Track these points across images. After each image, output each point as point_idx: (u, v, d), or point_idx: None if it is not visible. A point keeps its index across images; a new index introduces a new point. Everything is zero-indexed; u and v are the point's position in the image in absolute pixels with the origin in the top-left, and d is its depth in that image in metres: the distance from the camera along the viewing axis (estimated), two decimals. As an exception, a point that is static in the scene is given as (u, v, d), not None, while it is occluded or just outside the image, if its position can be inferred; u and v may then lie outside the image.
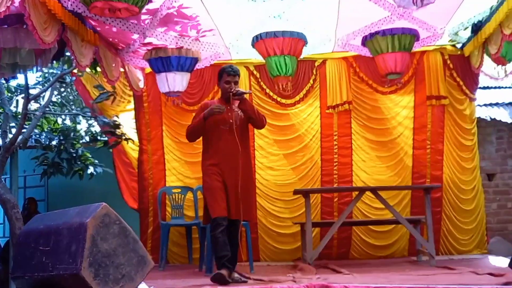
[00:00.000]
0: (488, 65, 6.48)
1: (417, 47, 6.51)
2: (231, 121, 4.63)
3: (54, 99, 6.82)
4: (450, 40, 6.81)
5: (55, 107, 7.06)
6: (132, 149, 7.09)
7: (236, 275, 4.62)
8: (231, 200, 4.55)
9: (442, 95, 6.87)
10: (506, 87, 8.69)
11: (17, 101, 6.80)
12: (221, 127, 4.65)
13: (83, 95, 6.86)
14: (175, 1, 5.14)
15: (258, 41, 6.05)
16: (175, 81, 6.07)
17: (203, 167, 4.74)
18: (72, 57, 4.97)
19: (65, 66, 6.23)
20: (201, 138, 4.84)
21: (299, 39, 6.09)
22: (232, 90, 4.64)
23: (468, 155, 6.99)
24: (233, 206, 4.53)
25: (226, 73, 4.72)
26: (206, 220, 4.67)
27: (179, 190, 6.77)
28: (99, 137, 7.20)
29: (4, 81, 6.28)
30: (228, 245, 4.45)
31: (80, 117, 7.66)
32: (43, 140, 6.39)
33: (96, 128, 7.59)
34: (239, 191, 4.52)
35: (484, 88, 8.33)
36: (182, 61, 6.00)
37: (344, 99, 6.92)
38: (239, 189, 4.52)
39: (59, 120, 7.59)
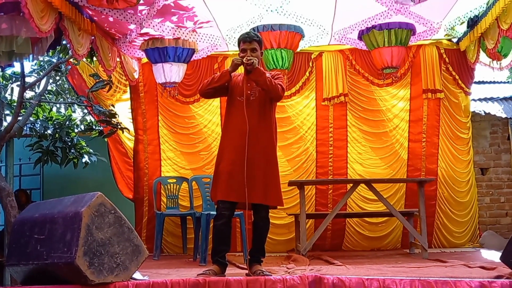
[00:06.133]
0: (484, 57, 6.50)
1: (413, 41, 6.54)
2: (249, 92, 4.23)
3: (49, 87, 6.78)
4: (446, 34, 6.83)
5: (50, 96, 7.03)
6: (128, 139, 7.11)
7: (258, 270, 4.21)
8: (239, 183, 4.12)
9: (437, 89, 6.89)
10: (500, 82, 8.72)
11: (12, 89, 6.77)
12: (238, 98, 4.26)
13: (78, 84, 6.85)
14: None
15: (255, 33, 6.06)
16: (172, 72, 6.07)
17: (218, 150, 4.39)
18: (69, 46, 4.96)
19: (61, 55, 6.21)
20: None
21: (296, 33, 6.10)
22: (244, 60, 4.18)
23: (464, 148, 7.03)
24: (243, 188, 4.10)
25: (242, 41, 4.29)
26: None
27: (175, 180, 6.79)
28: (94, 126, 7.19)
29: (-1, 69, 6.27)
30: (228, 238, 4.22)
31: (76, 106, 7.64)
32: (38, 128, 6.38)
33: (91, 117, 7.56)
34: (251, 172, 4.11)
35: (478, 82, 8.37)
36: (179, 52, 5.99)
37: (340, 91, 6.93)
38: (245, 169, 4.08)
39: (54, 109, 7.57)
